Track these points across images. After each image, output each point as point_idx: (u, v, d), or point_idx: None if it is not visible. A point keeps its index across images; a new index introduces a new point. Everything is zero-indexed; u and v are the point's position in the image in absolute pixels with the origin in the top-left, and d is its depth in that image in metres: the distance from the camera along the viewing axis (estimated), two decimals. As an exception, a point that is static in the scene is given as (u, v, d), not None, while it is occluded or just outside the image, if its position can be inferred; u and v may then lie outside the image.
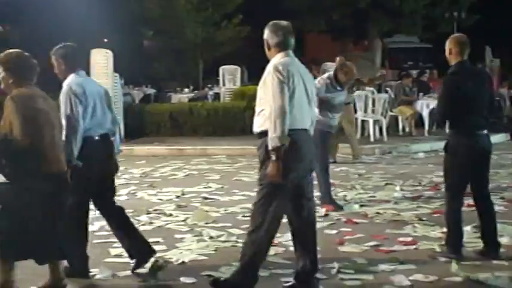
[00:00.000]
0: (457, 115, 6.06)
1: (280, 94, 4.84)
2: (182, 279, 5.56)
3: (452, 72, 6.12)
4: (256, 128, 5.04)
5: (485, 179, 6.21)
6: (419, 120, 17.17)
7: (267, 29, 5.17)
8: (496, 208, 6.83)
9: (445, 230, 6.27)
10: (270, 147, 4.80)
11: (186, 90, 24.16)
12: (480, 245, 6.27)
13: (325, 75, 8.76)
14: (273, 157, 4.81)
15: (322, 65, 17.46)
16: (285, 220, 7.64)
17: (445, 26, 24.84)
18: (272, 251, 6.34)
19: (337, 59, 13.67)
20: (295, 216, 5.20)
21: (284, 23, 5.19)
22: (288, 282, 5.36)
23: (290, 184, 4.99)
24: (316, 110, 7.94)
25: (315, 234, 5.26)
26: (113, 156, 5.78)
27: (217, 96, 21.93)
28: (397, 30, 25.76)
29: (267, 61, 5.14)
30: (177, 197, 9.25)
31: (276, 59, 5.05)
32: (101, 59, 15.22)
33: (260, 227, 4.99)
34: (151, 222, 7.71)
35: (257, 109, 5.05)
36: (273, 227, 5.06)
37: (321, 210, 8.08)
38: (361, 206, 8.47)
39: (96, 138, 5.56)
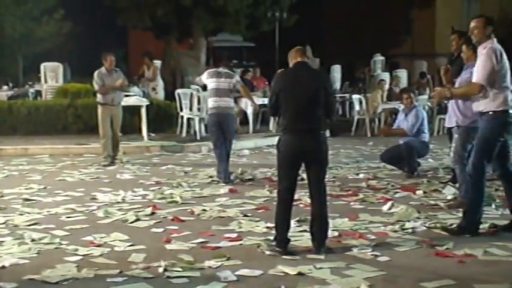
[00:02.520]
0: (286, 113, 6.19)
1: None
2: (2, 284, 5.31)
3: (282, 70, 6.33)
4: None
5: (316, 175, 6.23)
6: (244, 118, 17.48)
7: None
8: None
9: (269, 225, 6.38)
10: None
11: (5, 87, 23.20)
12: (302, 238, 6.48)
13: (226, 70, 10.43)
14: None
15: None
16: (111, 219, 7.53)
17: (267, 26, 25.42)
18: (98, 251, 6.23)
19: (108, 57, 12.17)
20: None
21: None
22: (114, 282, 5.28)
23: None
24: (231, 99, 10.14)
25: None
26: None
27: (39, 93, 21.21)
28: (221, 29, 26.04)
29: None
30: (-4, 199, 8.85)
31: None
32: None
33: None
34: (-32, 226, 7.33)
35: None
36: None
37: (146, 209, 8.03)
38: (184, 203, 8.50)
39: None
